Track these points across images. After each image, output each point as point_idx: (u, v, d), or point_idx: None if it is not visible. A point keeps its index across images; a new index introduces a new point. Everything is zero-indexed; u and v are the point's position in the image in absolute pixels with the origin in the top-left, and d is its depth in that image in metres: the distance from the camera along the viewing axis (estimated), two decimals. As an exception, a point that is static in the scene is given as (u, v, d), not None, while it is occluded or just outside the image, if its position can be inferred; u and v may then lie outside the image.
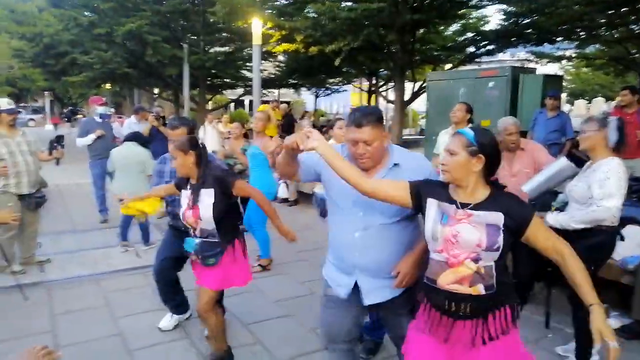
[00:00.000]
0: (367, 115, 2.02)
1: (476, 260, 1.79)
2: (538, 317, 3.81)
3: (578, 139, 3.11)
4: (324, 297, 2.37)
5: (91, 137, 6.53)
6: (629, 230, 3.66)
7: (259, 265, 4.86)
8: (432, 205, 1.90)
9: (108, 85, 26.23)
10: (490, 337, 1.83)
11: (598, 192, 2.81)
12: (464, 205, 1.84)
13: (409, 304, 2.14)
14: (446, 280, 1.82)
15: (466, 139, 1.82)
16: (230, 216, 2.91)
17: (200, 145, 2.87)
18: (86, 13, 18.25)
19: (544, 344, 3.45)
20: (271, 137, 4.99)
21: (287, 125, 11.64)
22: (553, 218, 3.05)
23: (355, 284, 2.18)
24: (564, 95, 25.79)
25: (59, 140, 4.86)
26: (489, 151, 1.81)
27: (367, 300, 2.18)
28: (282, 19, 12.66)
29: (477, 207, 1.82)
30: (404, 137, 16.44)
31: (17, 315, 3.83)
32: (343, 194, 2.12)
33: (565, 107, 27.80)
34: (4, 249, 4.32)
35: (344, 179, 1.93)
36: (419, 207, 1.95)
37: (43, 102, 38.77)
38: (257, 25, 11.13)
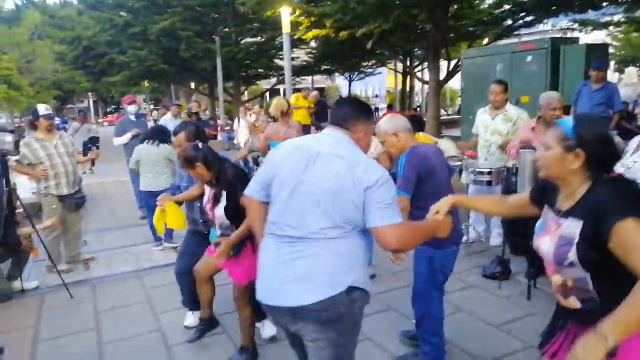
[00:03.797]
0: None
1: (559, 273, 1.60)
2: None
3: (636, 113, 2.85)
4: None
5: (127, 136, 6.70)
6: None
7: None
8: (544, 213, 1.72)
9: (146, 83, 26.96)
10: None
11: None
12: (559, 212, 1.61)
13: None
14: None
15: (562, 131, 1.55)
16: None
17: (204, 154, 2.85)
18: (121, 13, 18.75)
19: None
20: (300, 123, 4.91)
21: (321, 112, 11.58)
22: None
23: None
24: (612, 63, 24.26)
25: (93, 141, 5.02)
26: (591, 146, 1.50)
27: None
28: (310, 5, 12.50)
29: (567, 213, 1.56)
30: (442, 118, 16.02)
31: (64, 313, 4.00)
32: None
33: (615, 76, 26.23)
34: (49, 249, 4.50)
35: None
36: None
37: (88, 102, 40.37)
38: (285, 14, 11.05)
